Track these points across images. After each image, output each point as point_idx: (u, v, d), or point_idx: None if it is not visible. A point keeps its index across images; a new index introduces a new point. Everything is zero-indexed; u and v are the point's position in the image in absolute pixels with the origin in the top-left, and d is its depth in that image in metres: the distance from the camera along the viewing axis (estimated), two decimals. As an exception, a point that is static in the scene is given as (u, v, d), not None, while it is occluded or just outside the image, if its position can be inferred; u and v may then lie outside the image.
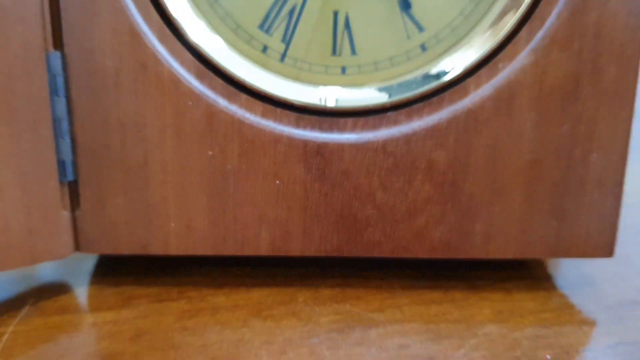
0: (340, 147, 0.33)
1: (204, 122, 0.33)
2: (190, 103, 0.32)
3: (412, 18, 0.33)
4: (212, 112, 0.33)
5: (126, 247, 0.35)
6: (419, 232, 0.34)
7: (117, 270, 0.37)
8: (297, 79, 0.34)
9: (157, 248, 0.35)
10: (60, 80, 0.31)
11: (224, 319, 0.33)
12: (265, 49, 0.34)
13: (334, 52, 0.34)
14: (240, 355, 0.31)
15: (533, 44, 0.32)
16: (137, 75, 0.32)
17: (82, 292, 0.35)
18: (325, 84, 0.34)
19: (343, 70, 0.34)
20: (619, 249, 0.37)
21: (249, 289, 0.35)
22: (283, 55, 0.34)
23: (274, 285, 0.35)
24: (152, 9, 0.32)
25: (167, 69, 0.32)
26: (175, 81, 0.32)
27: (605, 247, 0.34)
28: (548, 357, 0.30)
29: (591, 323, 0.32)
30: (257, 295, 0.35)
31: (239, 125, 0.33)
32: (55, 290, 0.35)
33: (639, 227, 0.41)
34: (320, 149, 0.33)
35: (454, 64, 0.33)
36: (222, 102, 0.33)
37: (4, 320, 0.32)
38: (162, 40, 0.32)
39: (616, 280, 0.36)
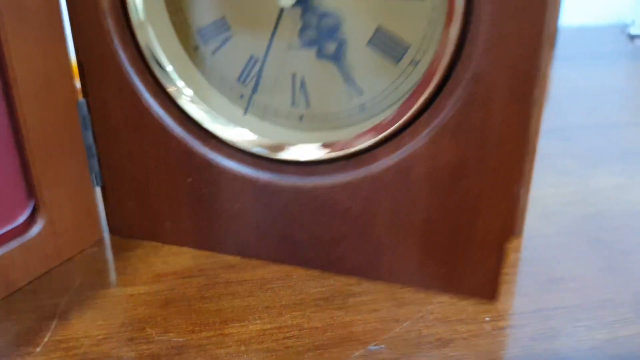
0: (281, 187, 0.38)
1: (184, 158, 0.39)
2: (173, 144, 0.38)
3: (354, 84, 0.36)
4: (190, 152, 0.39)
5: (139, 235, 0.43)
6: (339, 256, 0.39)
7: (148, 255, 0.42)
8: (263, 119, 0.39)
9: (160, 238, 0.43)
10: (87, 119, 0.39)
11: (234, 291, 0.38)
12: (242, 96, 0.39)
13: (292, 103, 0.38)
14: (247, 318, 0.36)
15: (430, 128, 0.34)
16: (137, 122, 0.39)
17: (120, 272, 0.41)
18: (286, 127, 0.39)
19: (300, 118, 0.39)
20: (553, 237, 0.42)
21: (253, 268, 0.40)
22: (248, 104, 0.38)
23: (273, 265, 0.40)
24: (148, 75, 0.38)
25: (157, 120, 0.38)
26: (164, 129, 0.39)
27: (488, 292, 0.37)
28: (487, 318, 0.36)
29: (524, 294, 0.38)
30: (260, 273, 0.40)
31: (209, 162, 0.39)
32: (99, 271, 0.41)
33: (572, 218, 0.45)
34: (267, 186, 0.38)
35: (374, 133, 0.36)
36: (197, 145, 0.39)
37: (59, 293, 0.38)
38: (154, 97, 0.38)
39: (549, 262, 0.40)
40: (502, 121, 0.32)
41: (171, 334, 0.35)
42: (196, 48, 0.38)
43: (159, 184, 0.41)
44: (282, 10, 0.35)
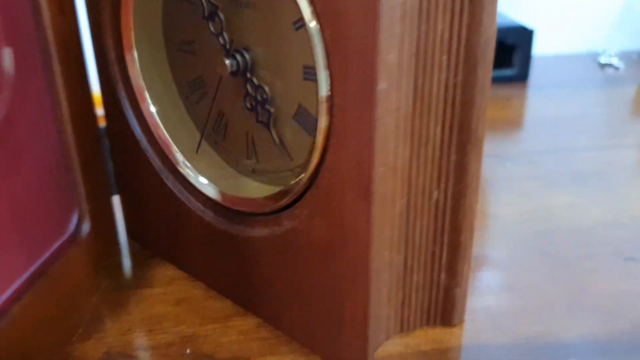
0: (217, 228, 0.41)
1: (159, 186, 0.44)
2: (154, 174, 0.44)
3: (285, 150, 0.38)
4: (163, 183, 0.44)
5: (143, 241, 0.49)
6: (259, 301, 0.41)
7: (164, 263, 0.48)
8: (224, 163, 0.43)
9: (153, 251, 0.49)
10: (106, 142, 0.46)
11: (235, 292, 0.45)
12: (216, 142, 0.43)
13: (247, 156, 0.41)
14: (246, 313, 0.42)
15: (309, 202, 0.35)
16: (132, 150, 0.44)
17: (140, 277, 0.46)
18: (244, 176, 0.42)
19: (253, 170, 0.41)
20: (509, 250, 0.48)
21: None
22: (199, 144, 0.42)
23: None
24: (141, 114, 0.43)
25: (143, 153, 0.44)
26: (148, 160, 0.44)
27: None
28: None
29: (477, 295, 0.44)
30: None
31: (175, 194, 0.43)
32: (121, 276, 0.47)
33: (526, 233, 0.51)
34: (209, 224, 0.42)
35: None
36: (170, 179, 0.43)
37: (90, 293, 0.44)
38: (144, 133, 0.43)
39: (502, 270, 0.47)
40: (353, 213, 0.33)
41: (183, 327, 0.41)
42: (187, 97, 0.43)
43: (148, 202, 0.46)
44: (221, 77, 0.38)
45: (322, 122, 0.32)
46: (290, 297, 0.39)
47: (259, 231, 0.39)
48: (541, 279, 0.46)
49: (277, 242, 0.38)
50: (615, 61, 0.95)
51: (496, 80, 0.86)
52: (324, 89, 0.31)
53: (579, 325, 0.42)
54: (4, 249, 0.38)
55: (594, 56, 0.97)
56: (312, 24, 0.30)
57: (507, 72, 0.87)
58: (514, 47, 0.85)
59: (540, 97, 0.84)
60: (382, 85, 0.29)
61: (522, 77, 0.87)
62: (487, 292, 0.45)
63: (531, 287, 0.45)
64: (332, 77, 0.31)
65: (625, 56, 0.96)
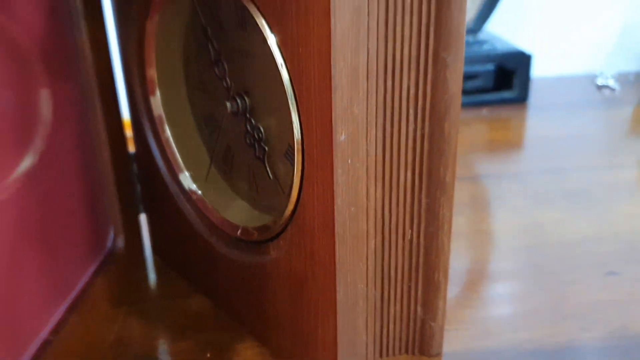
0: (217, 250, 0.44)
1: (178, 212, 0.47)
2: (170, 195, 0.47)
3: (279, 184, 0.40)
4: (176, 205, 0.47)
5: (164, 257, 0.53)
6: (253, 319, 0.43)
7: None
8: (230, 191, 0.45)
9: (169, 263, 0.52)
10: (133, 165, 0.51)
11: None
12: (225, 172, 0.45)
13: (249, 188, 0.44)
14: None
15: (289, 235, 0.37)
16: (154, 179, 0.48)
17: (164, 289, 0.51)
18: (250, 206, 0.44)
19: (255, 200, 0.43)
20: (499, 263, 0.52)
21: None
22: (208, 172, 0.46)
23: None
24: (159, 137, 0.46)
25: (161, 176, 0.47)
26: (165, 184, 0.47)
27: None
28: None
29: (467, 306, 0.48)
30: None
31: (189, 222, 0.46)
32: (147, 287, 0.51)
33: (517, 247, 0.55)
34: (213, 246, 0.44)
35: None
36: (180, 196, 0.47)
37: (119, 304, 0.48)
38: (162, 157, 0.47)
39: (492, 281, 0.51)
40: (321, 248, 0.35)
41: (203, 334, 0.45)
42: (202, 130, 0.46)
43: (166, 223, 0.50)
44: (224, 116, 0.42)
45: (298, 162, 0.35)
46: (276, 321, 0.41)
47: (252, 258, 0.41)
48: (528, 288, 0.51)
49: (267, 269, 0.40)
50: (612, 83, 0.98)
51: (496, 103, 0.90)
52: (297, 133, 0.34)
53: (559, 332, 0.46)
54: (61, 263, 0.43)
55: (591, 78, 1.00)
56: (285, 77, 0.34)
57: (507, 94, 0.91)
58: (513, 71, 0.89)
59: (539, 118, 0.88)
60: (342, 136, 0.32)
61: (521, 99, 0.91)
62: (476, 302, 0.49)
63: (517, 297, 0.50)
64: (301, 124, 0.34)
65: (621, 78, 1.00)
